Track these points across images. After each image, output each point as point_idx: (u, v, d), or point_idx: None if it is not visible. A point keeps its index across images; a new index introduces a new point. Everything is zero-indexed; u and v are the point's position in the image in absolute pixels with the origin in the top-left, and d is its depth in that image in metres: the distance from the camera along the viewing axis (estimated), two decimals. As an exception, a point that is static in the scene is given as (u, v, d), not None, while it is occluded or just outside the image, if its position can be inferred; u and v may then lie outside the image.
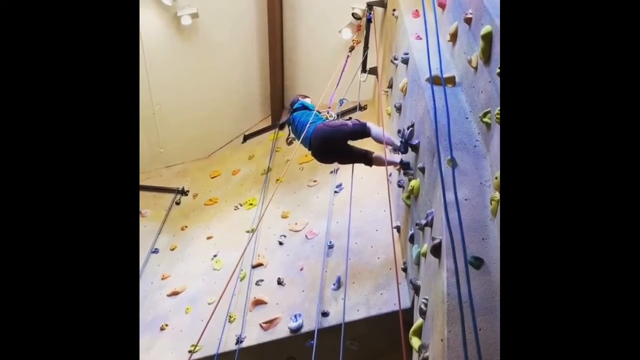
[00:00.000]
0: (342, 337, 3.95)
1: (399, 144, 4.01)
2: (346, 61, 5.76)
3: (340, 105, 5.63)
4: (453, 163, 2.66)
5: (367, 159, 4.25)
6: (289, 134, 4.82)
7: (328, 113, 4.74)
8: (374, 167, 4.36)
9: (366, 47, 6.33)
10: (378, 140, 4.15)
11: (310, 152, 4.44)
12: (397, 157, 4.15)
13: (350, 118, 4.45)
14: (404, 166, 4.08)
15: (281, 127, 4.85)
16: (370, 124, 4.22)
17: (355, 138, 4.24)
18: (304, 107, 4.68)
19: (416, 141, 3.71)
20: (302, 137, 4.37)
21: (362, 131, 4.18)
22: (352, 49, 5.92)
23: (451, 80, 3.47)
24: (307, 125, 4.30)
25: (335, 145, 4.24)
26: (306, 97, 5.02)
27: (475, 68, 3.10)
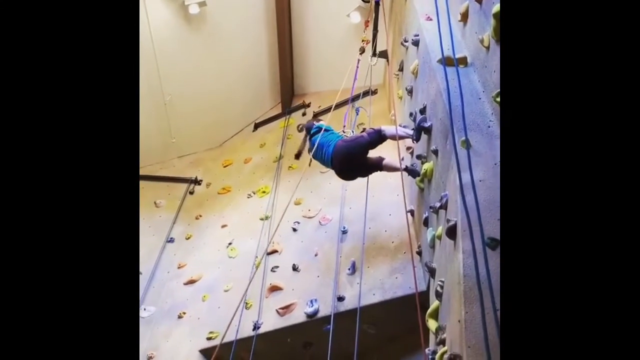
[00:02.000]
0: (357, 320, 3.98)
1: (411, 133, 4.00)
2: (357, 66, 5.69)
3: (357, 114, 5.60)
4: (467, 144, 2.63)
5: (379, 165, 4.29)
6: (310, 160, 4.77)
7: (344, 131, 4.73)
8: (386, 151, 4.36)
9: (375, 30, 6.25)
10: (394, 138, 4.15)
11: (334, 171, 4.44)
12: (409, 131, 4.13)
13: (364, 129, 4.44)
14: (411, 172, 4.10)
15: (297, 157, 4.80)
16: (384, 127, 4.24)
17: (374, 147, 4.26)
18: (320, 129, 4.66)
19: (428, 124, 3.68)
20: (322, 158, 4.39)
21: (379, 137, 4.19)
22: (362, 50, 5.85)
23: (463, 61, 3.41)
24: (327, 146, 4.33)
25: (357, 159, 4.26)
26: (320, 120, 5.02)
27: (487, 47, 3.05)
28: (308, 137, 4.74)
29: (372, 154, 4.35)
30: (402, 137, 4.14)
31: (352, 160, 4.25)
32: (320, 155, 4.41)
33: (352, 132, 4.78)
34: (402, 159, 4.34)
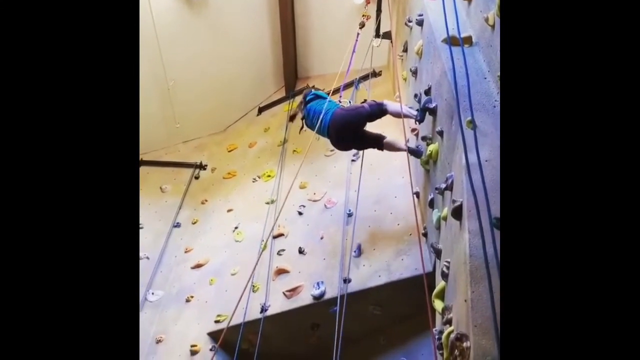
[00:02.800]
0: (344, 304, 4.02)
1: (415, 113, 3.98)
2: (357, 40, 5.63)
3: (356, 89, 5.54)
4: (473, 124, 2.61)
5: (379, 143, 4.23)
6: (302, 126, 4.75)
7: (341, 101, 4.68)
8: (391, 133, 4.34)
9: (379, 11, 6.19)
10: (396, 115, 4.10)
11: (329, 140, 4.39)
12: (413, 111, 4.10)
13: (365, 100, 4.38)
14: (414, 153, 4.06)
15: (291, 119, 4.74)
16: (386, 102, 4.17)
17: (373, 119, 4.19)
18: (317, 96, 4.59)
19: (433, 104, 3.65)
20: (318, 126, 4.30)
21: (380, 111, 4.12)
22: (362, 25, 5.78)
23: (468, 40, 3.38)
24: (323, 114, 4.24)
25: (354, 129, 4.19)
26: (319, 89, 4.96)
27: (492, 26, 3.01)
28: (303, 104, 4.69)
29: (374, 130, 4.31)
30: (406, 116, 4.09)
31: (350, 130, 4.19)
32: (316, 124, 4.33)
33: (350, 102, 4.74)
34: (407, 140, 4.32)
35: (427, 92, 3.83)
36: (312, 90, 4.79)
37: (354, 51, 5.57)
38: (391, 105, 4.16)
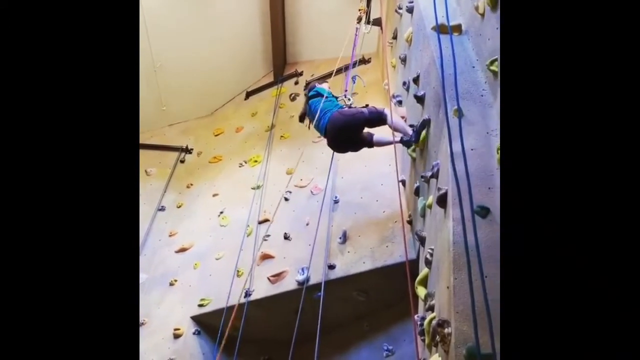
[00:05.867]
0: (322, 291, 4.02)
1: (411, 132, 3.83)
2: (356, 34, 5.59)
3: (354, 83, 5.47)
4: (460, 113, 2.62)
5: (370, 143, 4.18)
6: (308, 122, 4.68)
7: (345, 97, 4.62)
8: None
9: (370, -3, 6.15)
10: (394, 128, 3.99)
11: (325, 140, 4.36)
12: (409, 130, 3.89)
13: (367, 105, 4.29)
14: (407, 143, 3.97)
15: (301, 119, 4.68)
16: (387, 111, 4.03)
17: (371, 126, 4.11)
18: (319, 94, 4.54)
19: (421, 92, 3.65)
20: (316, 125, 4.27)
21: (379, 118, 4.01)
22: (359, 19, 5.75)
23: (457, 29, 3.37)
24: (323, 114, 4.21)
25: (351, 134, 4.14)
26: (324, 82, 4.89)
27: (482, 15, 3.01)
28: (306, 100, 4.65)
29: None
30: (402, 132, 3.94)
31: (346, 134, 4.14)
32: (315, 122, 4.31)
33: (350, 98, 4.68)
34: (392, 124, 4.25)
35: (416, 80, 3.82)
36: (317, 85, 4.71)
37: (354, 45, 5.53)
38: (392, 118, 3.97)
